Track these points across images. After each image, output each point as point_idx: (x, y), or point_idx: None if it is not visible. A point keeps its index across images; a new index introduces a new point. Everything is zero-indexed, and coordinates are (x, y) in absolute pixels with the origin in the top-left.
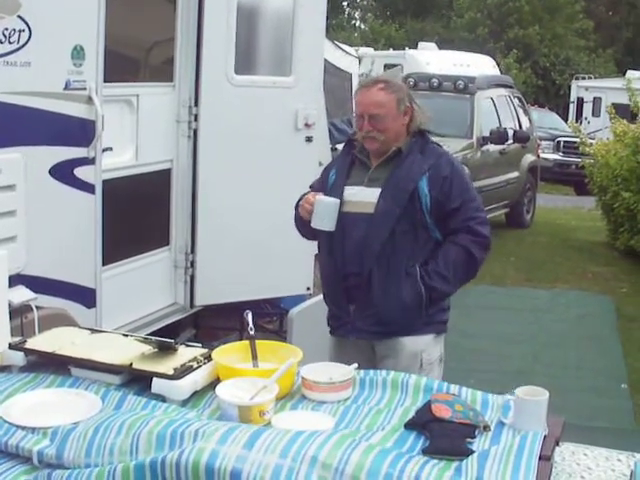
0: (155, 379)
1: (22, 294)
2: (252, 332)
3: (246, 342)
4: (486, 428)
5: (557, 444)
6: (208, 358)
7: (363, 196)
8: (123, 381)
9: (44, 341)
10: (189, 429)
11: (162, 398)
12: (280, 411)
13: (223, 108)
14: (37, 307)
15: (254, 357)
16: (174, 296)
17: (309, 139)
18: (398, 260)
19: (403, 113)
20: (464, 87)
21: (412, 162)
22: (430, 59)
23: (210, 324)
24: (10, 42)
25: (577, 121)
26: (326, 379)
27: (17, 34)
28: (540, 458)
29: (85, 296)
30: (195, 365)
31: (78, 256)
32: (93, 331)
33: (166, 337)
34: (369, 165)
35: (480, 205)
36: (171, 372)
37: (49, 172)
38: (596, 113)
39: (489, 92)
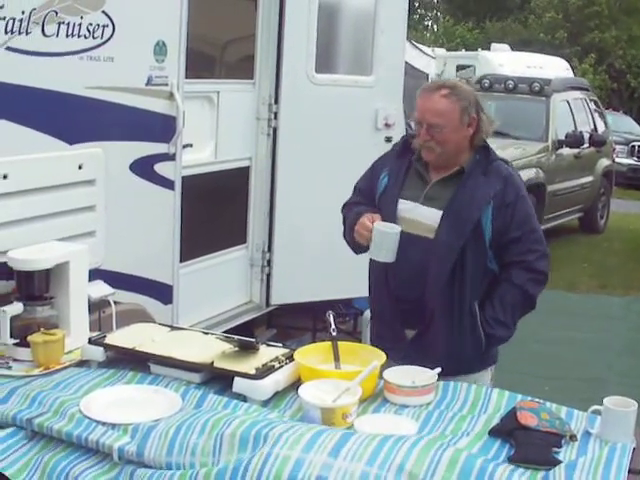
0: (237, 378)
1: (101, 289)
2: (334, 333)
3: (328, 343)
4: (572, 438)
5: None
6: (290, 358)
7: (420, 215)
8: (203, 379)
9: (124, 337)
10: (273, 431)
11: (243, 398)
12: (362, 414)
13: (303, 106)
14: (115, 302)
15: (336, 358)
16: (250, 294)
17: (389, 139)
18: (463, 297)
19: (467, 125)
20: (540, 89)
21: (475, 186)
22: (503, 60)
23: (283, 323)
24: (94, 37)
25: None
26: (409, 383)
27: (101, 29)
28: (629, 472)
29: (162, 292)
30: (277, 365)
31: (156, 252)
32: (172, 328)
33: (240, 335)
34: (427, 179)
35: (541, 236)
36: (253, 372)
37: (129, 167)
38: None
39: (565, 95)
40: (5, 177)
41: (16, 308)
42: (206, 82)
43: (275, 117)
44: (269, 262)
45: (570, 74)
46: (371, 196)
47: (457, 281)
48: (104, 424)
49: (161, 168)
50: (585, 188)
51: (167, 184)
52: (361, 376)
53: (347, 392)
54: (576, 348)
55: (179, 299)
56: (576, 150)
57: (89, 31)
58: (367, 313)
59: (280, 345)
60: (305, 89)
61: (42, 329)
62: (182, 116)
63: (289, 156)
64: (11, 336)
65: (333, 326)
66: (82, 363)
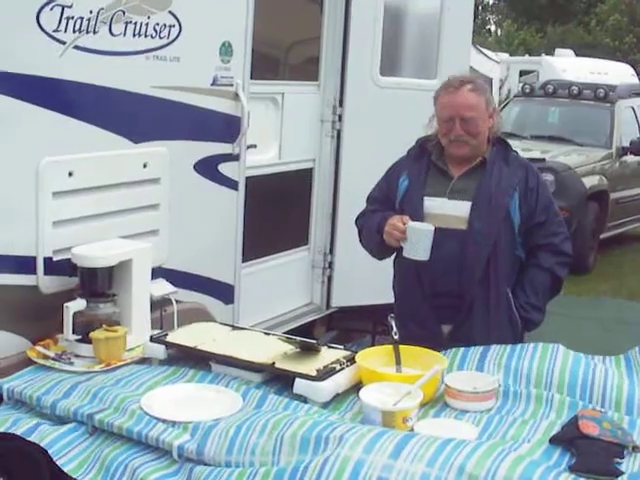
0: (297, 379)
1: (163, 287)
2: (396, 337)
3: (390, 346)
4: (635, 449)
5: None
6: (351, 361)
7: (448, 209)
8: (264, 379)
9: (185, 335)
10: (334, 433)
11: (304, 399)
12: (423, 418)
13: (367, 109)
14: (177, 301)
15: (397, 362)
16: (310, 296)
17: None
18: (499, 285)
19: (489, 116)
20: (604, 95)
21: (500, 174)
22: (567, 66)
23: (343, 326)
24: (160, 37)
25: None
26: (470, 388)
27: (167, 29)
28: None
29: (224, 292)
30: (338, 367)
31: (218, 252)
32: (233, 328)
33: (300, 337)
34: (450, 174)
35: (562, 220)
36: (314, 373)
37: (194, 167)
38: None
39: (630, 101)
40: (70, 174)
41: (79, 304)
42: (271, 83)
43: (339, 119)
44: (330, 264)
45: (636, 80)
46: (389, 203)
47: (492, 270)
48: (164, 421)
49: (225, 168)
50: None
51: (231, 184)
52: (422, 380)
53: (408, 396)
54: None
55: (240, 299)
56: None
57: (156, 31)
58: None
59: (341, 347)
60: (370, 92)
61: (104, 326)
62: (247, 117)
63: (352, 159)
64: (74, 332)
65: (395, 329)
66: (143, 360)
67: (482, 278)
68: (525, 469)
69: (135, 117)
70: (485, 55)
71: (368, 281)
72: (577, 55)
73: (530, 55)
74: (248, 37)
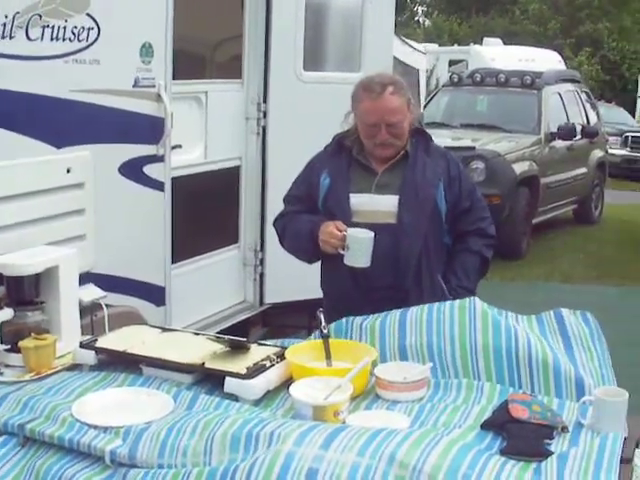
0: (228, 378)
1: (92, 292)
2: (325, 331)
3: (319, 341)
4: (564, 429)
5: (637, 446)
6: (281, 357)
7: (376, 205)
8: (195, 380)
9: (115, 340)
10: (264, 430)
11: (235, 398)
12: (355, 411)
13: (292, 105)
14: (107, 305)
15: (328, 356)
16: (243, 294)
17: None
18: (432, 274)
19: (410, 111)
20: (531, 82)
21: (423, 166)
22: (495, 55)
23: (278, 322)
24: (79, 40)
25: None
26: (400, 378)
27: (86, 32)
28: (621, 461)
29: (154, 294)
30: (268, 364)
31: (147, 254)
32: (163, 330)
33: (236, 335)
34: (373, 169)
35: (485, 204)
36: (244, 371)
37: (118, 170)
38: None
39: (557, 87)
40: None
41: (6, 314)
42: (194, 83)
43: (264, 116)
44: (262, 261)
45: (562, 66)
46: (310, 202)
47: (424, 260)
48: (96, 427)
49: (150, 170)
50: (578, 180)
51: (157, 185)
52: (352, 373)
53: (338, 389)
54: None
55: (172, 301)
56: (569, 142)
57: (74, 34)
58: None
59: (272, 344)
60: (294, 87)
61: (33, 334)
62: (170, 117)
63: (279, 155)
64: (2, 342)
65: (324, 323)
66: (74, 367)
67: (416, 269)
68: (456, 455)
69: (56, 122)
70: (410, 46)
71: (300, 276)
72: (505, 44)
73: (459, 45)
74: (168, 37)
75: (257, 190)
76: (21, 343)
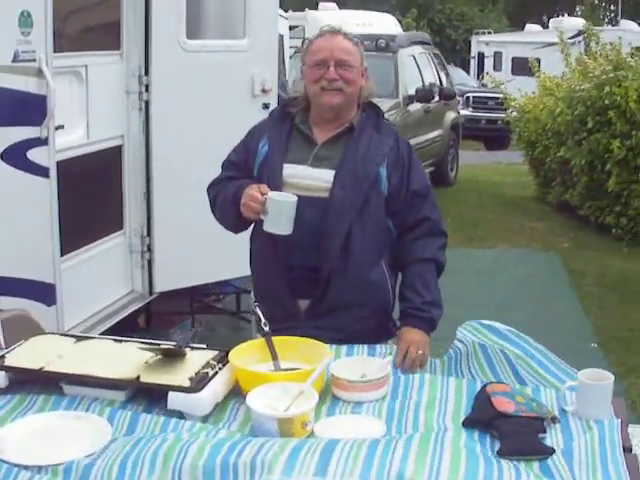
0: (171, 393)
1: None
2: (267, 328)
3: (261, 340)
4: (554, 420)
5: None
6: (221, 362)
7: (310, 177)
8: (127, 397)
9: (26, 355)
10: (242, 458)
11: (178, 414)
12: (317, 418)
13: (176, 76)
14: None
15: (274, 357)
16: (131, 284)
17: (266, 106)
18: (360, 260)
19: (361, 74)
20: (386, 46)
21: (369, 142)
22: (331, 19)
23: (162, 309)
24: None
25: (479, 76)
26: (358, 377)
27: None
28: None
29: (44, 293)
30: (211, 372)
31: (34, 249)
32: (78, 338)
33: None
34: (314, 140)
35: (435, 200)
36: (187, 384)
37: (1, 156)
38: (497, 67)
39: (410, 50)
40: None
41: None
42: (73, 55)
43: (146, 90)
44: (149, 247)
45: (399, 29)
46: (246, 170)
47: (355, 242)
48: (27, 468)
49: (34, 154)
50: (435, 142)
51: (42, 172)
52: (313, 376)
53: (301, 397)
54: (457, 305)
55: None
56: (426, 105)
57: None
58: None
59: (204, 347)
60: (177, 57)
61: None
62: (53, 95)
63: (164, 131)
64: None
65: (263, 320)
66: None
67: (342, 252)
68: (467, 468)
69: None
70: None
71: (190, 262)
72: (340, 8)
73: (293, 11)
74: (48, 4)
75: (141, 170)
76: None
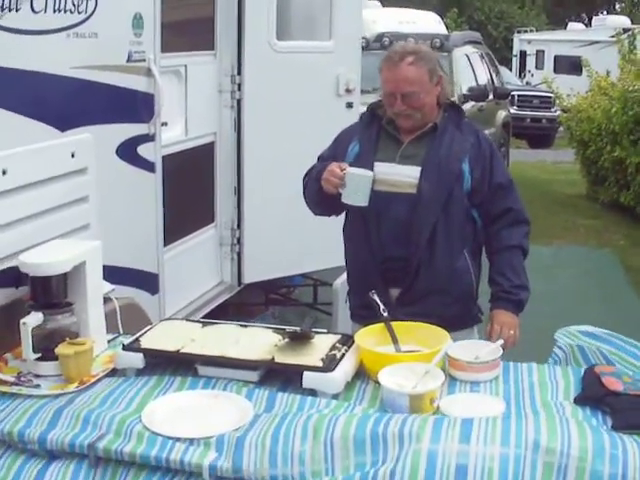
0: (306, 373)
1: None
2: (385, 314)
3: (380, 325)
4: None
5: None
6: (345, 344)
7: (398, 174)
8: (260, 377)
9: (158, 339)
10: (390, 429)
11: (310, 392)
12: (440, 396)
13: (266, 76)
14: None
15: (394, 340)
16: (221, 275)
17: (350, 105)
18: (451, 250)
19: (435, 84)
20: (441, 45)
21: (452, 139)
22: (376, 17)
23: (236, 301)
24: (79, 12)
25: (521, 74)
26: (473, 358)
27: (85, 3)
28: None
29: (149, 282)
30: (338, 354)
31: (142, 240)
32: (204, 324)
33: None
34: (400, 140)
35: (518, 193)
36: (321, 364)
37: (116, 152)
38: (539, 66)
39: (464, 49)
40: (4, 172)
41: (36, 318)
42: (175, 56)
43: (239, 89)
44: (239, 240)
45: (443, 28)
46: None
47: (442, 233)
48: (178, 440)
49: (143, 150)
50: None
51: (149, 167)
52: (438, 357)
53: (427, 375)
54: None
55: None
56: (479, 104)
57: (74, 5)
58: (337, 283)
59: (325, 331)
60: (267, 57)
61: (67, 339)
62: (160, 93)
63: (254, 128)
64: (33, 350)
65: (382, 306)
66: (113, 372)
67: (428, 242)
68: (594, 436)
69: (60, 102)
70: None
71: (278, 254)
72: (384, 6)
73: None
74: (157, 7)
75: (233, 166)
76: (58, 350)
